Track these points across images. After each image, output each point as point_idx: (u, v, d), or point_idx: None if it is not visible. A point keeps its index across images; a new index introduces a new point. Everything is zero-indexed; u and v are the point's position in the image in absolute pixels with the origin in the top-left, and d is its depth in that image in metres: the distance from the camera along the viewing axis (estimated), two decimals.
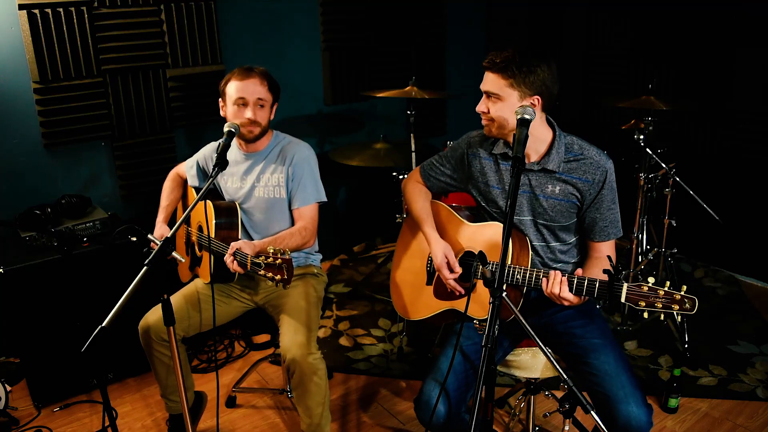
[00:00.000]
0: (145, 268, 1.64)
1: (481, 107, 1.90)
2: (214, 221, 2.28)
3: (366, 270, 3.93)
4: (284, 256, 1.88)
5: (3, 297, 2.52)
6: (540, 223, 1.95)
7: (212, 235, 2.26)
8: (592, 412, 1.62)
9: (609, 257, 1.74)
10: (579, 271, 1.74)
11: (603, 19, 4.11)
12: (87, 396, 2.80)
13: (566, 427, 2.11)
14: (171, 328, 1.79)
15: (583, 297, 1.73)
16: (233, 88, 2.21)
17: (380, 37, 3.99)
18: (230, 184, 2.40)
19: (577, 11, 4.25)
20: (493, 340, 1.40)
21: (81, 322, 2.63)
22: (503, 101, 1.82)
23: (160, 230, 2.46)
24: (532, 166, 1.91)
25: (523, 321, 1.67)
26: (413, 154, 3.29)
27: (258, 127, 2.25)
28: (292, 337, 2.14)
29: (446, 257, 2.01)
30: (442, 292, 2.09)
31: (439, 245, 2.04)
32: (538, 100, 1.83)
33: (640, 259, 3.24)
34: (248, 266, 1.98)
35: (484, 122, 1.92)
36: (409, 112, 3.29)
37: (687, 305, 1.56)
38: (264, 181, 2.33)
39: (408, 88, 3.21)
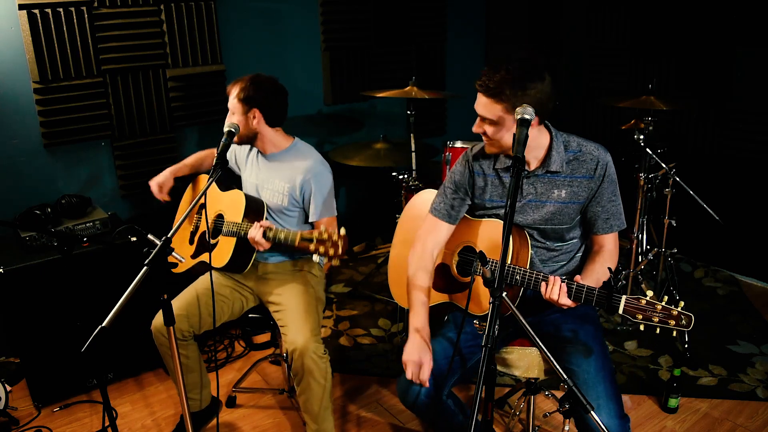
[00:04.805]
0: (145, 268, 1.65)
1: (477, 129, 1.84)
2: (243, 211, 2.30)
3: (366, 270, 3.93)
4: (339, 233, 1.90)
5: (3, 297, 2.52)
6: (547, 228, 1.94)
7: (239, 221, 2.29)
8: (592, 413, 1.62)
9: (609, 268, 1.72)
10: (578, 278, 1.75)
11: (603, 19, 4.11)
12: (87, 396, 2.80)
13: (566, 427, 2.10)
14: (171, 328, 1.80)
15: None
16: None
17: (380, 37, 3.99)
18: (249, 178, 2.45)
19: (577, 11, 4.25)
20: (493, 340, 1.40)
21: (81, 322, 2.63)
22: (500, 125, 1.79)
23: (162, 176, 2.50)
24: (537, 171, 1.89)
25: (522, 320, 1.67)
26: (413, 154, 3.28)
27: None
28: (299, 327, 2.18)
29: (421, 361, 1.84)
30: (439, 285, 2.09)
31: (414, 342, 1.87)
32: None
33: (640, 259, 3.24)
34: (297, 243, 1.97)
35: (485, 141, 1.88)
36: (409, 112, 3.29)
37: (683, 321, 1.58)
38: (270, 186, 2.37)
39: (408, 88, 3.20)
